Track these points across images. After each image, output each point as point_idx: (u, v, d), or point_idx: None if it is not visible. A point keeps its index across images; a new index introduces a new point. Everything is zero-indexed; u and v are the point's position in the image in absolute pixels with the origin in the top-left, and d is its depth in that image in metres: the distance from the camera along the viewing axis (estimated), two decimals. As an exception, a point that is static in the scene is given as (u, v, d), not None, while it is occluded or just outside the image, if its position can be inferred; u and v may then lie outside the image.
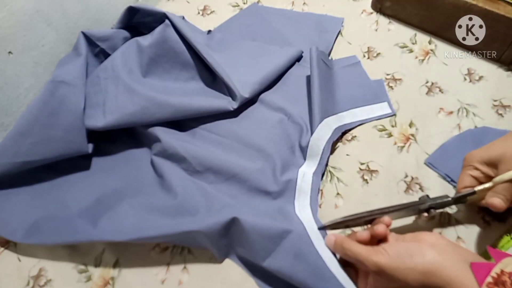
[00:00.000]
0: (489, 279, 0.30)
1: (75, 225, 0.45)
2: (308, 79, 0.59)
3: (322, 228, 0.44)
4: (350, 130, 0.54)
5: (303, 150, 0.51)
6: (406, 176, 0.49)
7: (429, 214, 0.42)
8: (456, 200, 0.41)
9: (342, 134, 0.53)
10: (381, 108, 0.56)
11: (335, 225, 0.43)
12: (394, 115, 0.55)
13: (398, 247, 0.36)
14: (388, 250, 0.35)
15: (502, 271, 0.31)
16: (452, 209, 0.46)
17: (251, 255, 0.43)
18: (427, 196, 0.43)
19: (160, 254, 0.46)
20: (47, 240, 0.45)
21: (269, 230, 0.41)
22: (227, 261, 0.45)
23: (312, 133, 0.51)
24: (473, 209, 0.45)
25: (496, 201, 0.38)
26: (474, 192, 0.40)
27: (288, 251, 0.40)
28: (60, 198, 0.49)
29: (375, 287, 0.37)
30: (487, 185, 0.40)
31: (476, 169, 0.41)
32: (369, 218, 0.42)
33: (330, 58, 0.63)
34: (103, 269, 0.45)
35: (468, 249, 0.35)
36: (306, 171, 0.49)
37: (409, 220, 0.45)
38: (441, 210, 0.45)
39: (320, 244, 0.41)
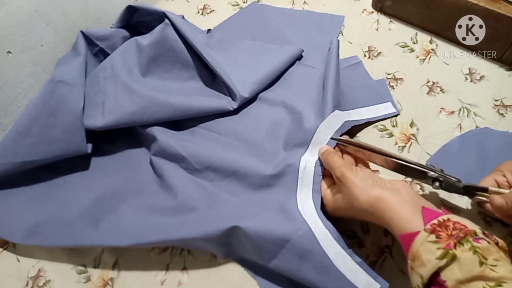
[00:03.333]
0: (434, 221, 0.33)
1: (75, 228, 0.45)
2: (309, 77, 0.58)
3: (335, 139, 0.46)
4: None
5: (305, 139, 0.49)
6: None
7: (432, 185, 0.41)
8: (466, 189, 0.40)
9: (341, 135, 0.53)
10: (386, 108, 0.55)
11: (347, 142, 0.45)
12: (398, 114, 0.55)
13: (368, 173, 0.41)
14: (359, 171, 0.41)
15: (448, 219, 0.33)
16: (454, 209, 0.46)
17: (255, 257, 0.43)
18: (441, 170, 0.42)
19: (159, 255, 0.46)
20: (47, 242, 0.44)
21: (272, 233, 0.41)
22: (227, 262, 0.45)
23: (324, 119, 0.49)
24: (475, 209, 0.45)
25: (497, 199, 0.38)
26: (486, 189, 0.39)
27: (294, 252, 0.40)
28: (59, 198, 0.49)
29: (334, 199, 0.42)
30: (502, 190, 0.39)
31: (504, 176, 0.41)
32: (378, 153, 0.43)
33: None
34: (102, 270, 0.45)
35: (427, 201, 0.38)
36: (309, 160, 0.48)
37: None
38: (447, 192, 0.44)
39: (325, 241, 0.41)
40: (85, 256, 0.46)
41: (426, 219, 0.34)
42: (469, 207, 0.46)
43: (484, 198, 0.41)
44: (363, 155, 0.44)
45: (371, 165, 0.45)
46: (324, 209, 0.44)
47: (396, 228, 0.35)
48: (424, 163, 0.49)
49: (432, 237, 0.32)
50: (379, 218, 0.37)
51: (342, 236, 0.45)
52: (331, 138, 0.47)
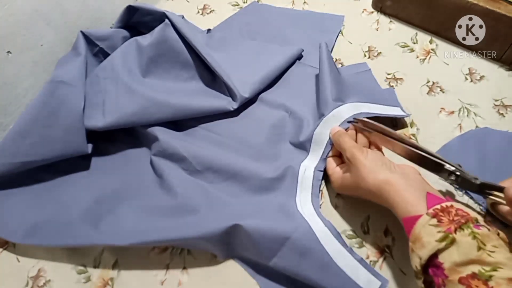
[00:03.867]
0: (437, 206, 0.34)
1: (75, 228, 0.45)
2: (309, 76, 0.58)
3: (356, 120, 0.48)
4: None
5: (304, 145, 0.50)
6: (407, 176, 0.49)
7: (448, 178, 0.41)
8: (482, 186, 0.39)
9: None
10: (394, 111, 0.53)
11: (367, 125, 0.46)
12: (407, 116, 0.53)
13: (379, 155, 0.42)
14: (369, 153, 0.42)
15: (451, 205, 0.34)
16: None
17: (255, 256, 0.43)
18: (459, 165, 0.41)
19: (159, 255, 0.46)
20: (47, 242, 0.44)
21: (272, 231, 0.41)
22: (227, 262, 0.45)
23: (318, 124, 0.49)
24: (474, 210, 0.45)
25: None
26: (502, 189, 0.38)
27: (294, 249, 0.40)
28: (59, 198, 0.49)
29: (343, 177, 0.44)
30: None
31: None
32: (395, 140, 0.44)
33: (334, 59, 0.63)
34: (102, 270, 0.45)
35: (434, 188, 0.39)
36: (308, 166, 0.49)
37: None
38: (460, 188, 0.44)
39: (325, 239, 0.41)
40: (85, 256, 0.46)
41: (429, 204, 0.35)
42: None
43: (498, 199, 0.40)
44: (379, 140, 0.45)
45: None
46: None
47: (400, 211, 0.36)
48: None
49: (434, 221, 0.33)
50: (385, 200, 0.38)
51: (342, 236, 0.45)
52: (351, 118, 0.49)
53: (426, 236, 0.33)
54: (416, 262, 0.34)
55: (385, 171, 0.39)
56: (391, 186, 0.38)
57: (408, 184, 0.37)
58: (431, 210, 0.34)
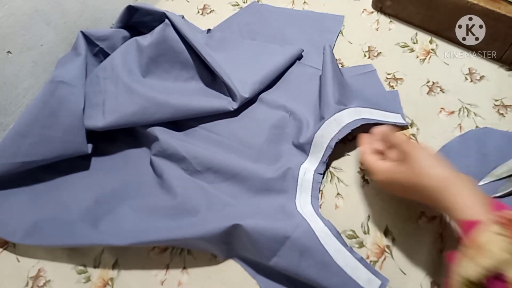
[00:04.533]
0: (504, 215, 0.31)
1: (75, 227, 0.45)
2: (309, 77, 0.58)
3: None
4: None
5: (304, 147, 0.50)
6: (407, 176, 0.49)
7: None
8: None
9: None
10: (395, 118, 0.53)
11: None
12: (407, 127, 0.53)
13: (434, 153, 0.39)
14: (425, 148, 0.39)
15: None
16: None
17: (255, 255, 0.43)
18: None
19: (159, 255, 0.46)
20: (47, 242, 0.45)
21: (272, 230, 0.41)
22: (227, 262, 0.45)
23: (319, 127, 0.49)
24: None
25: None
26: None
27: (294, 249, 0.40)
28: (59, 198, 0.49)
29: (393, 170, 0.40)
30: None
31: None
32: None
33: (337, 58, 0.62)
34: (102, 269, 0.45)
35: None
36: (308, 168, 0.49)
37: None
38: None
39: (325, 238, 0.41)
40: (85, 256, 0.46)
41: (495, 211, 0.32)
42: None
43: None
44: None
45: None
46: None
47: (459, 212, 0.34)
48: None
49: (503, 230, 0.31)
50: (440, 199, 0.35)
51: (342, 236, 0.45)
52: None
53: (493, 246, 0.30)
54: (473, 271, 0.30)
55: (449, 168, 0.36)
56: (453, 184, 0.35)
57: (471, 184, 0.35)
58: (499, 218, 0.31)
